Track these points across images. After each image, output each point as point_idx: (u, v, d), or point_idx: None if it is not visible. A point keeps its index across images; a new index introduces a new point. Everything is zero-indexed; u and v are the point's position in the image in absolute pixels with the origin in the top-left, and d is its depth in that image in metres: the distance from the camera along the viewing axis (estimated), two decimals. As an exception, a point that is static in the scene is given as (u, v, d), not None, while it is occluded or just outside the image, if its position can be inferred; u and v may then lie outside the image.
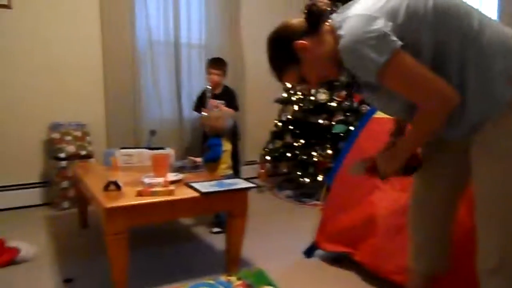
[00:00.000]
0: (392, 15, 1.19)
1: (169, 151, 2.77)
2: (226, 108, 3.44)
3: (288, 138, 4.06)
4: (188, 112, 4.16)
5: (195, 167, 2.72)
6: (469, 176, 1.34)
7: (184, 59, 4.14)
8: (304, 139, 3.93)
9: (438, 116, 1.22)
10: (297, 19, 1.36)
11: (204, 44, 4.26)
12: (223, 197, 2.14)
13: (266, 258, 2.45)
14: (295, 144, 3.95)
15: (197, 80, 4.20)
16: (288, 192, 4.06)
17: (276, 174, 4.36)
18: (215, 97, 3.54)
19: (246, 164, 4.34)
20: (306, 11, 1.34)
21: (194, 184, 2.21)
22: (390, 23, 1.18)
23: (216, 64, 3.56)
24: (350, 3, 1.33)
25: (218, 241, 2.69)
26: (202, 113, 3.52)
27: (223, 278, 2.08)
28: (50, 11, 3.55)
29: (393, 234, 2.02)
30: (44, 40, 3.55)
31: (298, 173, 3.82)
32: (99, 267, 2.30)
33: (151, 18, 3.91)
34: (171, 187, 2.06)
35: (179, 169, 2.61)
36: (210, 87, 3.56)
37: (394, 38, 1.17)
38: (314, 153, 3.76)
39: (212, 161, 2.79)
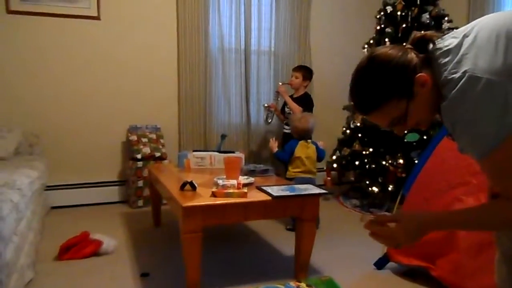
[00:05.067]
0: None
1: (240, 155, 2.82)
2: (291, 101, 3.64)
3: (357, 146, 3.97)
4: (256, 117, 4.24)
5: (264, 170, 2.75)
6: None
7: (253, 65, 4.23)
8: (373, 148, 3.82)
9: None
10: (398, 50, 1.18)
11: (273, 51, 4.32)
12: (294, 202, 2.15)
13: (335, 266, 2.40)
14: (363, 152, 3.85)
15: (265, 86, 4.28)
16: (355, 201, 3.97)
17: (342, 182, 4.28)
18: (293, 100, 3.71)
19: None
20: (415, 42, 1.19)
21: (265, 188, 2.23)
22: None
23: (297, 68, 3.79)
24: (460, 34, 1.15)
25: (288, 246, 2.69)
26: (265, 104, 3.89)
27: (292, 283, 2.07)
28: (133, 20, 3.81)
29: (476, 251, 1.89)
30: (125, 49, 3.81)
31: (367, 182, 3.72)
32: (174, 264, 2.40)
33: (224, 26, 4.06)
34: (244, 190, 2.10)
35: (249, 173, 2.65)
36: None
37: None
38: (383, 162, 3.64)
39: (278, 160, 2.88)
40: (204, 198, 2.02)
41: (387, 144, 3.68)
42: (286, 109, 3.79)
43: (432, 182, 2.24)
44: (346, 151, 4.08)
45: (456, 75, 1.07)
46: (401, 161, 3.53)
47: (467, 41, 1.11)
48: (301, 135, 3.17)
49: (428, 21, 3.59)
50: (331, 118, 4.41)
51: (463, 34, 1.14)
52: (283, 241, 2.81)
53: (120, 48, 3.79)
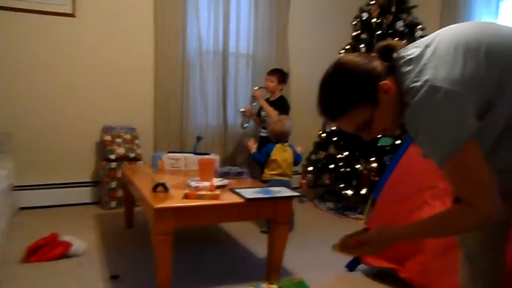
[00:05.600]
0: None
1: (215, 157, 2.82)
2: (266, 104, 3.67)
3: (332, 150, 4.02)
4: (233, 120, 4.24)
5: (239, 173, 2.75)
6: None
7: (231, 68, 4.23)
8: (348, 151, 3.87)
9: (477, 221, 1.13)
10: (364, 58, 1.22)
11: (252, 54, 4.34)
12: (267, 204, 2.15)
13: (308, 268, 2.42)
14: (338, 155, 3.91)
15: (243, 89, 4.29)
16: (330, 204, 4.01)
17: (318, 185, 4.32)
18: (270, 103, 3.74)
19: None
20: (381, 50, 1.23)
21: (239, 190, 2.23)
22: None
23: (271, 72, 3.81)
24: (422, 44, 1.19)
25: (261, 248, 2.69)
26: (240, 109, 3.93)
27: (264, 285, 2.08)
28: (108, 18, 3.75)
29: (441, 253, 1.94)
30: (101, 47, 3.75)
31: (341, 185, 3.77)
32: (144, 266, 2.37)
33: (202, 28, 4.04)
34: (217, 192, 2.10)
35: (224, 175, 2.65)
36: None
37: (472, 123, 1.07)
38: (358, 166, 3.70)
39: (255, 161, 3.02)
40: (176, 200, 2.01)
41: (362, 148, 3.75)
42: (262, 113, 3.81)
43: (401, 185, 2.29)
44: (321, 154, 4.12)
45: (418, 84, 1.11)
46: (374, 164, 3.59)
47: (428, 52, 1.15)
48: (278, 138, 3.20)
49: (402, 29, 3.68)
50: (307, 121, 4.43)
51: (425, 44, 1.19)
52: (257, 243, 2.82)
53: (95, 46, 3.73)
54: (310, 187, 4.28)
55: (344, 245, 1.35)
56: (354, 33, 3.88)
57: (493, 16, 3.84)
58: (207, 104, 4.14)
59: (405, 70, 1.17)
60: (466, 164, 1.10)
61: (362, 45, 3.76)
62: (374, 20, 3.70)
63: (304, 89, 4.55)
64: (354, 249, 1.35)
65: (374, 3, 3.78)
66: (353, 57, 1.23)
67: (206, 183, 2.20)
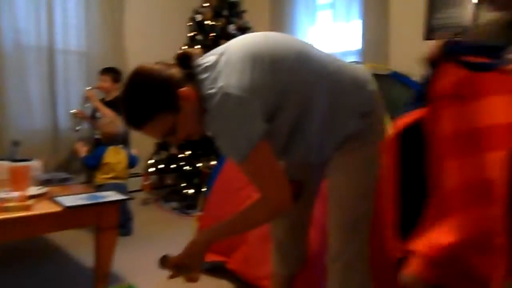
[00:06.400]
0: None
1: (31, 163, 2.54)
2: (101, 105, 3.47)
3: (174, 150, 4.02)
4: (65, 122, 3.90)
5: (64, 179, 2.54)
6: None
7: (59, 66, 3.87)
8: (190, 150, 3.92)
9: (272, 209, 1.28)
10: (163, 65, 1.23)
11: (84, 51, 4.04)
12: (90, 211, 2.03)
13: (140, 272, 2.37)
14: (180, 155, 3.92)
15: (76, 89, 3.96)
16: (174, 204, 4.01)
17: (162, 186, 4.27)
18: (105, 103, 3.52)
19: (130, 177, 4.18)
20: (179, 58, 1.25)
21: (59, 198, 2.05)
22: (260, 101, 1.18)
23: (103, 71, 3.62)
24: (218, 53, 1.26)
25: (87, 257, 2.53)
26: (72, 111, 3.62)
27: (89, 296, 1.96)
28: None
29: (262, 241, 2.10)
30: None
31: (183, 184, 3.80)
32: None
33: (20, 19, 3.59)
34: (29, 202, 1.90)
35: (44, 182, 2.40)
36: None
37: (261, 125, 1.19)
38: (199, 164, 3.77)
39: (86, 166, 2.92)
40: (-25, 215, 1.75)
41: (204, 146, 3.83)
42: (98, 114, 3.59)
43: (229, 181, 2.41)
44: (163, 154, 4.09)
45: (213, 91, 1.17)
46: (214, 162, 3.71)
47: (222, 60, 1.22)
48: (110, 140, 3.06)
49: (234, 32, 3.88)
50: (149, 122, 4.36)
51: (220, 52, 1.25)
52: (83, 252, 2.63)
53: None
54: (154, 188, 4.20)
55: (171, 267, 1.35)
56: (190, 34, 3.94)
57: (312, 22, 4.34)
58: (31, 105, 3.71)
59: (203, 77, 1.23)
60: (258, 161, 1.21)
61: (198, 46, 3.84)
62: (207, 22, 3.81)
63: (144, 89, 4.45)
64: (178, 271, 1.36)
65: (207, 6, 3.89)
66: (151, 66, 1.24)
67: (15, 194, 1.96)
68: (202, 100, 1.22)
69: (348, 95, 1.32)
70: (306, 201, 1.62)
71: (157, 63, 1.26)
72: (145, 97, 1.20)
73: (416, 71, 1.85)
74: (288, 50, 1.27)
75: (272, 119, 1.24)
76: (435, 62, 1.53)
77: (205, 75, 1.22)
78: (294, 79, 1.25)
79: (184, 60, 1.26)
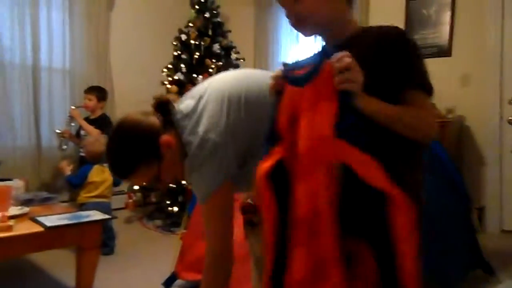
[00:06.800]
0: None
1: (13, 183, 2.53)
2: (86, 124, 3.48)
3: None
4: (49, 141, 3.88)
5: (46, 199, 2.53)
6: None
7: (43, 84, 3.88)
8: (175, 168, 3.93)
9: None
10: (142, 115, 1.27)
11: (69, 69, 4.06)
12: (72, 230, 2.04)
13: (123, 291, 2.36)
14: (165, 173, 3.92)
15: (59, 107, 3.97)
16: (158, 222, 3.99)
17: (146, 204, 4.25)
18: (90, 122, 3.54)
19: (114, 194, 4.15)
20: (157, 105, 1.28)
21: (40, 218, 2.06)
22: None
23: (88, 90, 3.62)
24: (197, 95, 1.29)
25: (68, 277, 2.50)
26: (56, 130, 3.61)
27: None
28: None
29: (242, 261, 2.11)
30: None
31: (167, 202, 3.79)
32: None
33: (4, 37, 3.61)
34: (9, 223, 1.89)
35: (26, 202, 2.39)
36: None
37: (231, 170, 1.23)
38: (183, 182, 3.78)
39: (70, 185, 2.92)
40: (-48, 237, 1.74)
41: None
42: (82, 133, 3.59)
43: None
44: (148, 172, 4.08)
45: (192, 137, 1.22)
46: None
47: (201, 104, 1.26)
48: (95, 159, 3.05)
49: (219, 51, 3.94)
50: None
51: (199, 95, 1.29)
52: (65, 272, 2.59)
53: None
54: (138, 206, 4.18)
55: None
56: (175, 53, 3.99)
57: (295, 41, 4.43)
58: (14, 123, 3.69)
59: (183, 123, 1.26)
60: (213, 209, 1.26)
61: (183, 65, 3.89)
62: (192, 41, 3.86)
63: (129, 107, 4.42)
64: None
65: (192, 26, 3.95)
66: (133, 116, 1.27)
67: (-4, 214, 1.96)
68: (183, 145, 1.25)
69: None
70: None
71: (140, 112, 1.28)
72: (127, 150, 1.23)
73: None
74: (259, 90, 1.27)
75: (244, 164, 1.27)
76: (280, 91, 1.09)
77: (185, 122, 1.26)
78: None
79: (163, 107, 1.28)
